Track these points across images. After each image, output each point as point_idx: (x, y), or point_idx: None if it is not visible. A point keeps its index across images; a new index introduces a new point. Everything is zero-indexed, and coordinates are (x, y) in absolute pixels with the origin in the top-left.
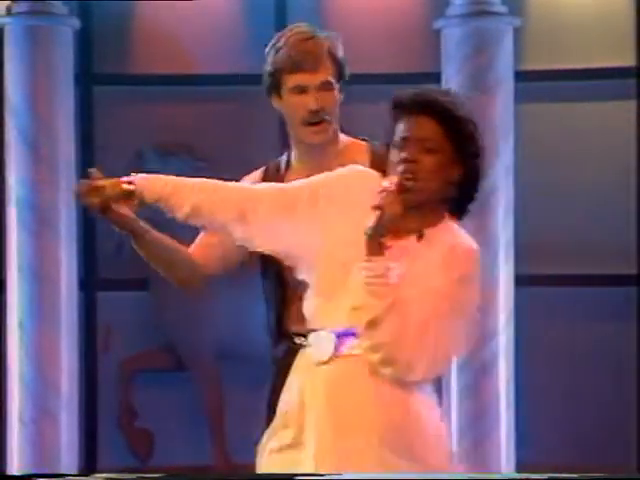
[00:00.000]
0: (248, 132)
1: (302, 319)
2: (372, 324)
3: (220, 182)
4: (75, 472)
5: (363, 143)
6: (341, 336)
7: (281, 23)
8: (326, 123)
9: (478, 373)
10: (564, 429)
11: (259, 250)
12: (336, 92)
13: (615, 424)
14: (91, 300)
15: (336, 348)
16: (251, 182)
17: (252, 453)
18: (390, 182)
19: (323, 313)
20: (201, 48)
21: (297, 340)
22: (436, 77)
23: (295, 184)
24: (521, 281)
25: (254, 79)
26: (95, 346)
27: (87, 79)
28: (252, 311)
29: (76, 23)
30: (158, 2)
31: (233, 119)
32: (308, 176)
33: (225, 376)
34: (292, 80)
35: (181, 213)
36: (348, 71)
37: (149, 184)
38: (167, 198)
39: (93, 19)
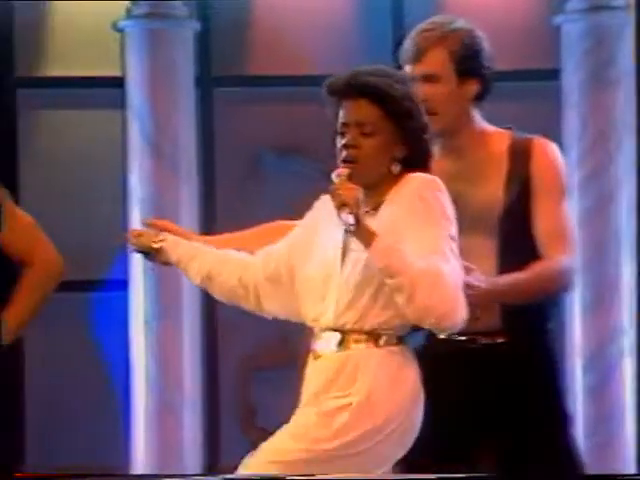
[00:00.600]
0: None
1: None
2: (410, 299)
3: (233, 252)
4: (199, 470)
5: (505, 131)
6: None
7: (398, 23)
8: (430, 115)
9: (603, 374)
10: None
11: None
12: (444, 84)
13: None
14: (209, 296)
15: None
16: None
17: None
18: (337, 174)
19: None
20: (319, 48)
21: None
22: (556, 73)
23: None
24: None
25: None
26: (217, 344)
27: (207, 81)
28: None
29: (196, 25)
30: (277, 3)
31: None
32: (446, 165)
33: None
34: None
35: (196, 281)
36: (477, 65)
37: (174, 246)
38: (185, 263)
39: (212, 21)
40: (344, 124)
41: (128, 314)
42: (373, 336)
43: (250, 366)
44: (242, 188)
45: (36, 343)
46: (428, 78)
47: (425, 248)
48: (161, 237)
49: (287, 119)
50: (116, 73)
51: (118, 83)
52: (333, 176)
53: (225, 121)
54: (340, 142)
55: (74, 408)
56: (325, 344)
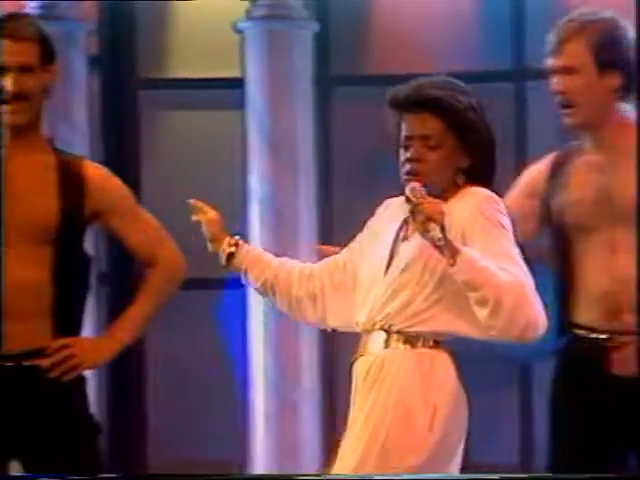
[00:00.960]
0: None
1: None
2: (494, 312)
3: (295, 262)
4: (316, 467)
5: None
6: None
7: (517, 20)
8: (568, 107)
9: None
10: None
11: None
12: (582, 76)
13: None
14: None
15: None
16: (537, 171)
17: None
18: (412, 188)
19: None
20: (437, 47)
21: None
22: None
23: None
24: None
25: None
26: (335, 341)
27: (325, 81)
28: None
29: (315, 26)
30: (395, 2)
31: None
32: (593, 158)
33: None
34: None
35: (255, 285)
36: (618, 56)
37: (243, 251)
38: (248, 265)
39: (331, 21)
40: (408, 137)
41: (247, 312)
42: (406, 337)
43: None
44: (359, 188)
45: (157, 341)
46: (567, 70)
47: (498, 259)
48: (233, 241)
49: None
50: (236, 74)
51: (238, 84)
52: (407, 191)
53: (343, 121)
54: (404, 155)
55: (195, 405)
56: (363, 345)
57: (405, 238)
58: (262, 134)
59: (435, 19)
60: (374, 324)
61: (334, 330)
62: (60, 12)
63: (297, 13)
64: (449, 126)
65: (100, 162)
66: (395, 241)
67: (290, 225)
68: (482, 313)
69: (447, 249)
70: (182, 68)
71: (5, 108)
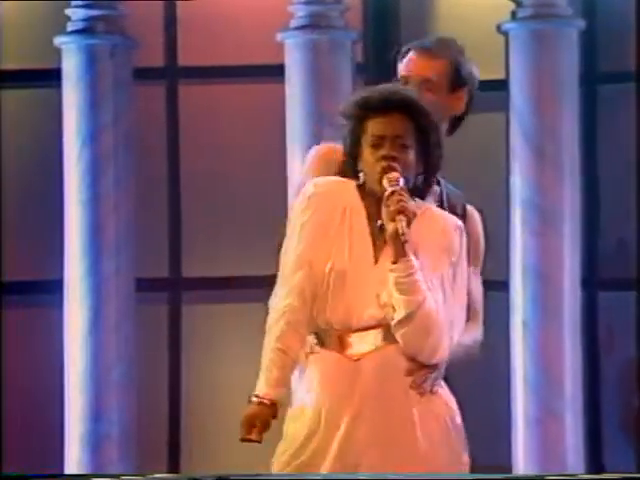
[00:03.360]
0: None
1: None
2: (408, 319)
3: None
4: (582, 472)
5: None
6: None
7: None
8: None
9: None
10: None
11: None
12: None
13: None
14: (593, 300)
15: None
16: None
17: None
18: (390, 178)
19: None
20: None
21: None
22: None
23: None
24: None
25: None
26: (598, 346)
27: (592, 79)
28: None
29: (581, 24)
30: None
31: None
32: None
33: None
34: None
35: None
36: None
37: (283, 389)
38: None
39: (598, 18)
40: (381, 137)
41: (509, 315)
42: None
43: (635, 370)
44: (625, 187)
45: None
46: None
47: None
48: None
49: None
50: (500, 76)
51: (501, 86)
52: (385, 182)
53: (609, 118)
54: (375, 154)
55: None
56: (365, 343)
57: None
58: (525, 136)
59: None
60: (372, 318)
61: None
62: (328, 21)
63: (563, 11)
64: (417, 129)
65: None
66: (372, 230)
67: (554, 225)
68: (398, 314)
69: (400, 247)
70: None
71: None
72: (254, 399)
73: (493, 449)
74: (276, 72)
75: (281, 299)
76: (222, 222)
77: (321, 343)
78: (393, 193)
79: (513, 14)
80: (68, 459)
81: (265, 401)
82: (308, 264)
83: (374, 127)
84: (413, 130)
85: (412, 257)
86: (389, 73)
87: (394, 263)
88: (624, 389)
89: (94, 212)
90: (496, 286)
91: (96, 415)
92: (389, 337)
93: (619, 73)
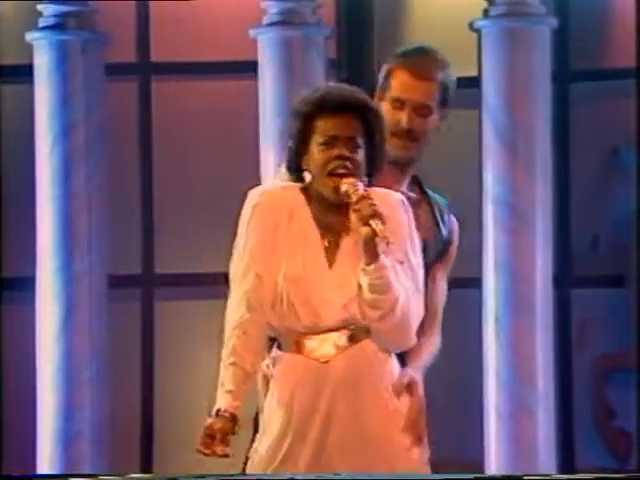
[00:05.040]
0: None
1: None
2: (383, 318)
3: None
4: (553, 470)
5: None
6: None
7: None
8: None
9: None
10: None
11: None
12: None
13: None
14: (565, 297)
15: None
16: None
17: None
18: (350, 186)
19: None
20: None
21: None
22: None
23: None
24: None
25: None
26: (570, 343)
27: (564, 77)
28: None
29: (553, 22)
30: None
31: None
32: None
33: None
34: None
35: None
36: None
37: (239, 403)
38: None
39: (570, 16)
40: (334, 137)
41: (481, 311)
42: (365, 330)
43: (606, 366)
44: (597, 185)
45: None
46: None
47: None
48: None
49: None
50: (472, 73)
51: (473, 83)
52: (348, 188)
53: (581, 116)
54: (325, 153)
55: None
56: (330, 345)
57: (335, 233)
58: (497, 133)
59: None
60: (337, 321)
61: None
62: (301, 18)
63: (535, 9)
64: (368, 130)
65: None
66: (322, 233)
67: (527, 226)
68: (373, 314)
69: (373, 249)
70: None
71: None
72: (213, 412)
73: (465, 444)
74: (249, 68)
75: (233, 313)
76: (195, 219)
77: (285, 347)
78: (363, 198)
79: (485, 12)
80: (40, 457)
81: (225, 414)
82: (256, 276)
83: (327, 126)
84: (364, 131)
85: (382, 256)
86: (362, 69)
87: (368, 265)
88: (596, 385)
89: (66, 209)
90: (469, 283)
91: (68, 413)
92: (353, 338)
93: (591, 71)
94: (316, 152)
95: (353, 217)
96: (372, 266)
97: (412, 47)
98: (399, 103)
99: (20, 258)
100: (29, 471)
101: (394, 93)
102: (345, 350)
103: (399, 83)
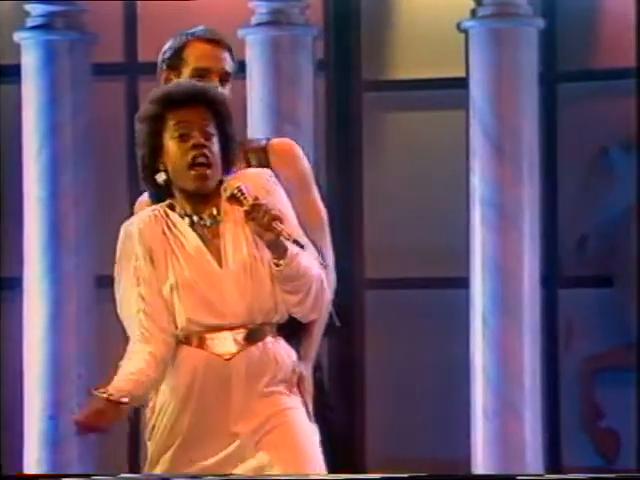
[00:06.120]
0: None
1: None
2: (303, 301)
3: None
4: (541, 468)
5: None
6: None
7: None
8: None
9: None
10: None
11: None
12: None
13: None
14: (553, 296)
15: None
16: None
17: None
18: (237, 191)
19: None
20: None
21: None
22: None
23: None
24: None
25: None
26: (557, 343)
27: (551, 78)
28: None
29: (540, 23)
30: None
31: None
32: None
33: None
34: None
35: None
36: None
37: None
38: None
39: (557, 17)
40: (187, 126)
41: (469, 312)
42: (272, 326)
43: (593, 366)
44: (586, 185)
45: (376, 339)
46: None
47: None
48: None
49: (637, 112)
50: (459, 74)
51: (461, 84)
52: (232, 192)
53: (568, 117)
54: (184, 146)
55: (414, 404)
56: (231, 342)
57: (216, 235)
58: (485, 133)
59: None
60: (240, 318)
61: None
62: (289, 18)
63: (523, 10)
64: (218, 120)
65: (325, 161)
66: (199, 234)
67: (515, 227)
68: (292, 299)
69: (282, 247)
70: (405, 69)
71: None
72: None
73: (452, 443)
74: (237, 68)
75: (131, 344)
76: None
77: (185, 341)
78: (255, 206)
79: (473, 12)
80: (27, 458)
81: (112, 398)
82: (141, 302)
83: (178, 118)
84: (215, 122)
85: (289, 247)
86: (350, 69)
87: (278, 261)
88: (583, 385)
89: (54, 209)
90: (456, 283)
91: (56, 413)
92: (250, 337)
93: (578, 72)
94: (172, 146)
95: (252, 225)
96: (282, 261)
97: (195, 28)
98: (204, 72)
99: (8, 258)
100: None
101: (197, 64)
102: (244, 349)
103: (199, 53)
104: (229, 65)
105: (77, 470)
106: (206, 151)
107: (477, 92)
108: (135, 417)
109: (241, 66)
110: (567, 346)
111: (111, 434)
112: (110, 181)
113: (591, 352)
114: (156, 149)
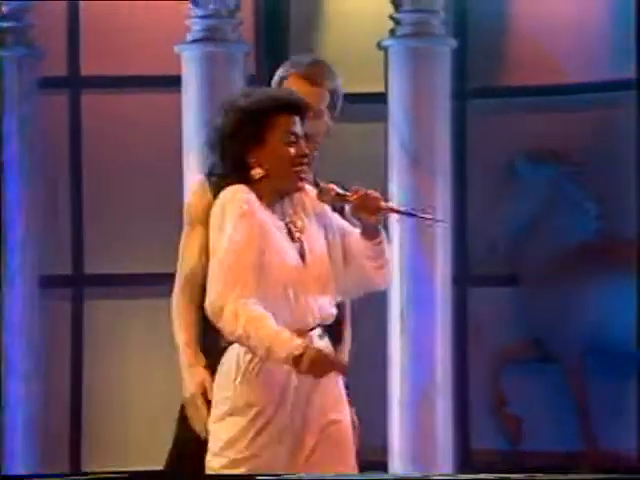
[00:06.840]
0: (615, 138)
1: None
2: (382, 266)
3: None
4: (451, 452)
5: None
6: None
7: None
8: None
9: None
10: None
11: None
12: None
13: None
14: (463, 295)
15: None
16: None
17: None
18: (332, 188)
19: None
20: (567, 58)
21: None
22: None
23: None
24: None
25: (618, 86)
26: (467, 338)
27: (462, 94)
28: (619, 307)
29: (453, 42)
30: (527, 14)
31: (599, 126)
32: None
33: (591, 369)
34: None
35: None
36: None
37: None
38: None
39: (468, 38)
40: (296, 135)
41: (387, 308)
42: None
43: (501, 359)
44: (494, 193)
45: None
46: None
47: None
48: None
49: (538, 127)
50: (379, 89)
51: (381, 98)
52: (338, 191)
53: (478, 131)
54: (295, 152)
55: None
56: (317, 340)
57: (299, 230)
58: (402, 145)
59: (568, 29)
60: (313, 319)
61: None
62: (223, 35)
63: (437, 30)
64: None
65: None
66: (289, 233)
67: (428, 235)
68: (376, 263)
69: (376, 227)
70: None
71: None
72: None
73: (370, 430)
74: (174, 83)
75: (251, 303)
76: (122, 223)
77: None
78: (362, 197)
79: (392, 31)
80: None
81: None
82: (258, 268)
83: (289, 125)
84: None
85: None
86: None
87: (374, 240)
88: (491, 375)
89: (1, 213)
90: None
91: None
92: (322, 335)
93: (487, 89)
94: (280, 149)
95: (358, 210)
96: (377, 239)
97: (305, 57)
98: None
99: None
100: None
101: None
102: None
103: (294, 89)
104: (322, 101)
105: (21, 467)
106: (307, 160)
107: (395, 106)
108: (76, 413)
109: (177, 80)
110: (476, 340)
111: (54, 431)
112: (54, 187)
113: (498, 345)
114: (254, 144)
